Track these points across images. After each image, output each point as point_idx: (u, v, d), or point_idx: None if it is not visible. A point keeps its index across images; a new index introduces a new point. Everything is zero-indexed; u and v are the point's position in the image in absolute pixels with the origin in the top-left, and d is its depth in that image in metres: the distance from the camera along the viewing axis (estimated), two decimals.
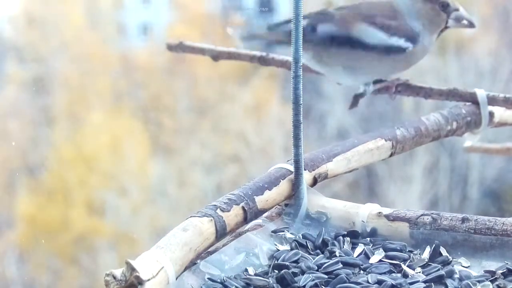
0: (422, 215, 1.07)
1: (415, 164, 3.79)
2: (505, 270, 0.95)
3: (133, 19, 3.81)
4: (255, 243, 1.02)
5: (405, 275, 0.98)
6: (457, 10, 1.20)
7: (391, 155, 1.25)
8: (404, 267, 1.00)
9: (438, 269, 0.98)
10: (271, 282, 0.97)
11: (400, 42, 1.20)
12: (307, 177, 1.13)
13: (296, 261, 1.01)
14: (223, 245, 1.00)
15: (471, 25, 1.21)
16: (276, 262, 1.00)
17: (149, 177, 3.67)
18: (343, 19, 1.20)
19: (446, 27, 1.22)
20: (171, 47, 1.55)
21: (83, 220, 3.44)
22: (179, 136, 3.67)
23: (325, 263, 1.01)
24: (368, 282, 0.96)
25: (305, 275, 0.97)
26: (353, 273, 0.99)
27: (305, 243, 1.06)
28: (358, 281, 0.96)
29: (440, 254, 1.02)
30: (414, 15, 1.21)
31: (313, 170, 1.15)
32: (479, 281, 0.94)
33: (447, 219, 1.05)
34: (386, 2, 1.24)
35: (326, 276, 0.97)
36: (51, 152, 3.43)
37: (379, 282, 0.95)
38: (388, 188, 3.78)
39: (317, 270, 0.99)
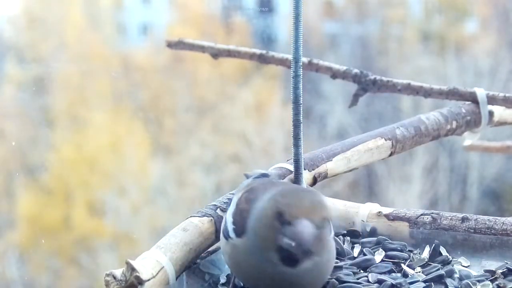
0: (422, 214, 1.07)
1: (414, 164, 3.79)
2: (505, 270, 0.95)
3: (133, 19, 3.81)
4: None
5: (405, 275, 0.98)
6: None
7: (390, 154, 1.25)
8: (404, 266, 0.99)
9: (438, 269, 0.98)
10: None
11: None
12: (307, 176, 1.13)
13: None
14: None
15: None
16: None
17: (149, 177, 3.67)
18: None
19: None
20: (170, 45, 1.56)
21: (83, 220, 3.44)
22: (179, 136, 3.66)
23: None
24: (368, 281, 0.96)
25: None
26: (353, 272, 0.99)
27: None
28: (359, 280, 0.96)
29: (440, 254, 1.02)
30: None
31: (313, 169, 1.15)
32: (479, 281, 0.94)
33: (447, 218, 1.05)
34: None
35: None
36: (51, 153, 3.43)
37: (379, 281, 0.95)
38: (388, 187, 3.78)
39: None
